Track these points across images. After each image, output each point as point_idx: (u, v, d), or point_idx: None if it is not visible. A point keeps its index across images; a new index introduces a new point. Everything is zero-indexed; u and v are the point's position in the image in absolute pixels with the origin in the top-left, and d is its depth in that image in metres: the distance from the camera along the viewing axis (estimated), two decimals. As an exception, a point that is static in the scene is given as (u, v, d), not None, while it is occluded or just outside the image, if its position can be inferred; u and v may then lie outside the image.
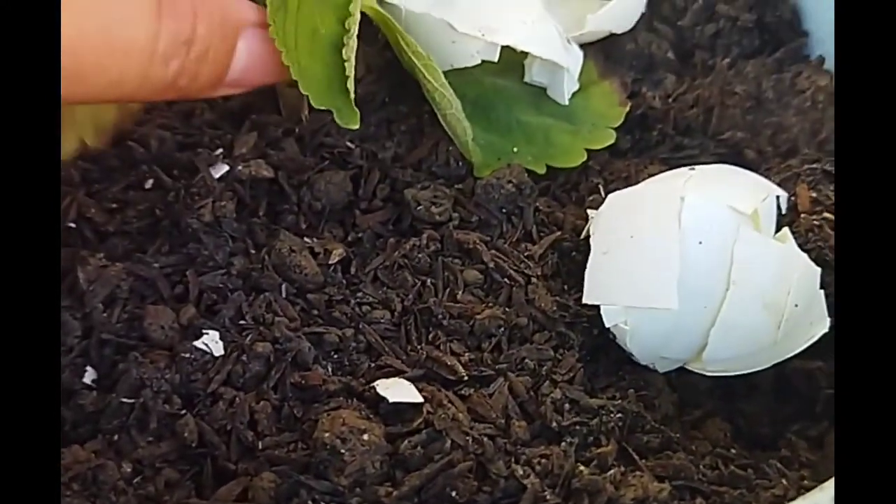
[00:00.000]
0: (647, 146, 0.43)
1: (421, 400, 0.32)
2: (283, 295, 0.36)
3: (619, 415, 0.33)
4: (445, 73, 0.39)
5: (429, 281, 0.37)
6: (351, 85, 0.36)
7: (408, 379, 0.34)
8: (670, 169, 0.41)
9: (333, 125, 0.40)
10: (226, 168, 0.38)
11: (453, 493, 0.30)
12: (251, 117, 0.41)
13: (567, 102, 0.43)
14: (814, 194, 0.38)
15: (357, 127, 0.37)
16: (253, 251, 0.37)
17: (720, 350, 0.34)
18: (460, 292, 0.37)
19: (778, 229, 0.36)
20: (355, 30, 0.36)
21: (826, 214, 0.37)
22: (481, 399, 0.33)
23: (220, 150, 0.39)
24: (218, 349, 0.34)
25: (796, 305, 0.34)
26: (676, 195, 0.34)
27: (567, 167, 0.42)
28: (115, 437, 0.33)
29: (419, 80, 0.40)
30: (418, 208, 0.39)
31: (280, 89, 0.41)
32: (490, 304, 0.36)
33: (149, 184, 0.38)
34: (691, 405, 0.36)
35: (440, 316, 0.36)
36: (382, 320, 0.36)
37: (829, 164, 0.40)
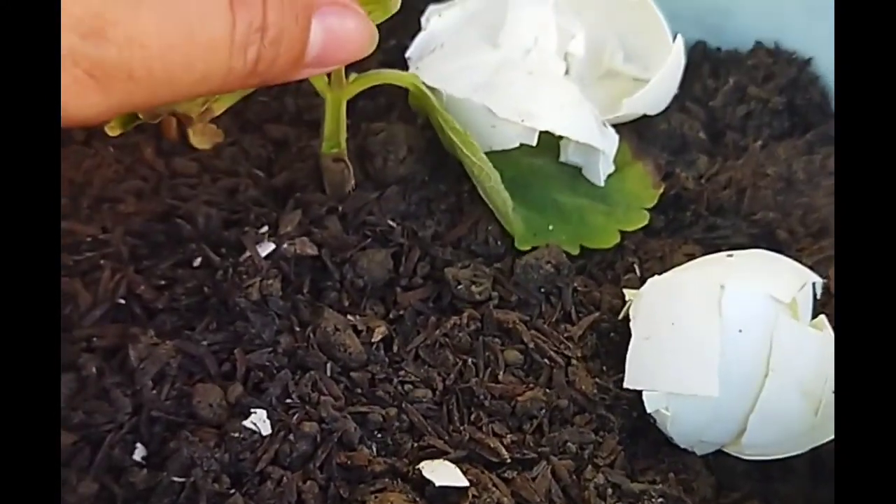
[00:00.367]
0: (681, 226, 0.44)
1: (466, 483, 0.33)
2: (328, 373, 0.37)
3: (661, 499, 0.34)
4: (484, 153, 0.41)
5: (470, 360, 0.38)
6: None
7: (451, 460, 0.34)
8: (704, 249, 0.42)
9: (375, 203, 0.42)
10: (272, 247, 0.39)
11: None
12: (295, 195, 0.42)
13: (603, 184, 0.44)
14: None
15: None
16: (298, 329, 0.38)
17: (759, 435, 0.34)
18: (501, 372, 0.37)
19: (814, 314, 0.37)
20: None
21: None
22: (525, 483, 0.34)
23: (266, 228, 0.40)
24: (265, 428, 0.35)
25: (833, 392, 0.34)
26: (716, 283, 0.35)
27: (601, 248, 0.43)
28: (167, 515, 0.33)
29: (459, 156, 0.41)
30: (458, 287, 0.40)
31: (324, 165, 0.42)
32: (531, 386, 0.37)
33: (197, 261, 0.39)
34: (729, 488, 0.36)
35: (482, 396, 0.36)
36: (425, 399, 0.37)
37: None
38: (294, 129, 0.46)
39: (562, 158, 0.45)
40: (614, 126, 0.45)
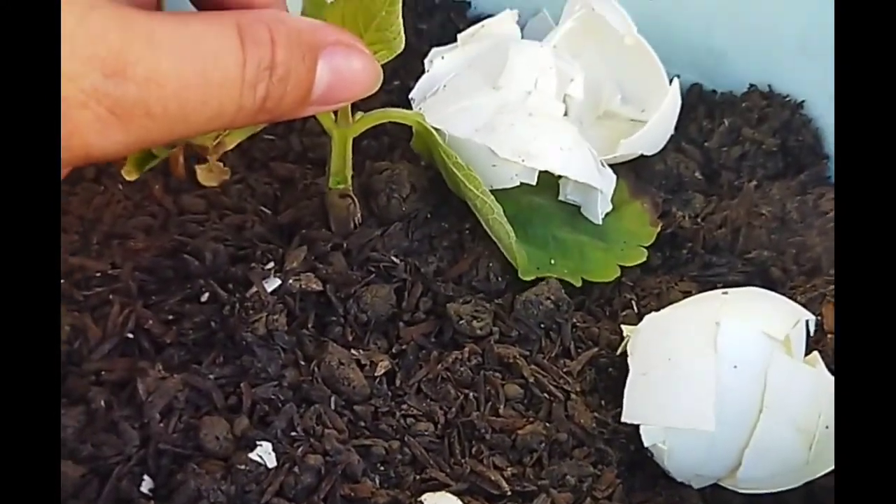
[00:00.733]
0: (678, 264, 0.45)
1: (468, 516, 0.33)
2: (332, 407, 0.38)
3: (658, 532, 0.34)
4: (485, 191, 0.42)
5: (471, 394, 0.38)
6: None
7: (453, 492, 0.35)
8: (700, 286, 0.43)
9: (379, 240, 0.43)
10: (278, 282, 0.40)
11: None
12: (301, 232, 0.43)
13: (601, 222, 0.45)
14: (839, 315, 0.40)
15: None
16: (303, 363, 0.39)
17: (754, 470, 0.35)
18: (502, 406, 0.38)
19: (808, 351, 0.38)
20: None
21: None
22: (525, 515, 0.34)
23: (272, 264, 0.41)
24: (271, 460, 0.35)
25: (827, 427, 0.35)
26: (712, 320, 0.35)
27: (601, 281, 0.44)
28: (174, 547, 0.34)
29: (461, 191, 0.42)
30: (460, 322, 0.40)
31: (330, 201, 0.43)
32: (531, 419, 0.37)
33: (204, 297, 0.40)
34: (724, 521, 0.37)
35: (483, 430, 0.37)
36: (427, 433, 0.37)
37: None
38: (300, 168, 0.48)
39: (561, 197, 0.46)
40: (612, 166, 0.46)
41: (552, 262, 0.44)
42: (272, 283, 0.40)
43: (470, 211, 0.43)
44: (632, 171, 0.48)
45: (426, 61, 0.48)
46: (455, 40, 0.49)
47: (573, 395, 0.38)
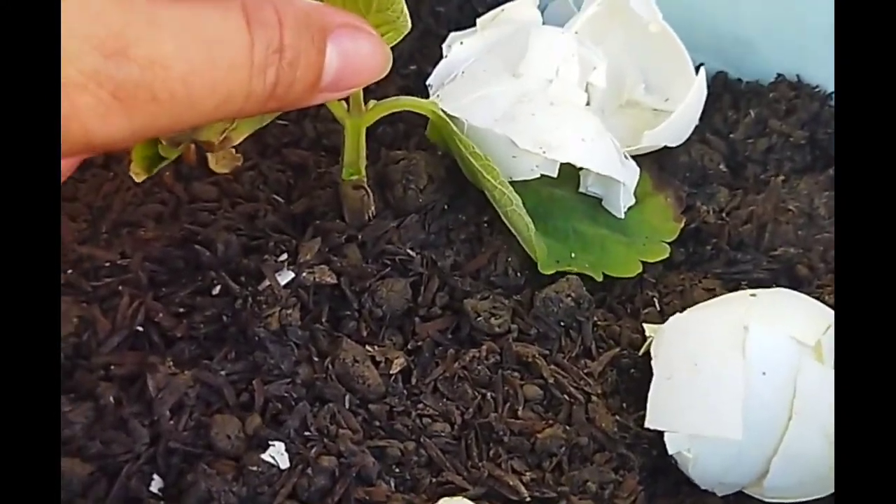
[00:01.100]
0: (701, 260, 0.44)
1: (486, 523, 0.33)
2: (347, 405, 0.37)
3: (681, 541, 0.33)
4: (504, 182, 0.40)
5: (489, 395, 0.37)
6: None
7: (470, 497, 0.34)
8: (724, 283, 0.42)
9: (395, 232, 0.42)
10: (291, 275, 0.39)
11: None
12: (315, 222, 0.42)
13: (623, 216, 0.43)
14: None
15: None
16: (317, 360, 0.38)
17: (781, 478, 0.34)
18: (520, 408, 0.37)
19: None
20: None
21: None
22: (544, 523, 0.33)
23: (286, 256, 0.40)
24: (284, 461, 0.35)
25: (856, 435, 0.34)
26: (740, 324, 0.34)
27: (623, 277, 0.42)
28: (184, 549, 0.33)
29: (479, 182, 0.41)
30: (477, 319, 0.39)
31: (344, 192, 0.42)
32: (550, 422, 0.36)
33: (216, 289, 0.39)
34: (749, 529, 0.36)
35: (501, 432, 0.36)
36: (443, 434, 0.36)
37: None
38: (313, 155, 0.46)
39: (582, 189, 0.45)
40: (635, 157, 0.45)
41: (572, 255, 0.42)
42: (285, 276, 0.39)
43: (488, 202, 0.42)
44: (655, 163, 0.46)
45: (444, 46, 0.46)
46: (473, 23, 0.48)
47: (594, 398, 0.37)
